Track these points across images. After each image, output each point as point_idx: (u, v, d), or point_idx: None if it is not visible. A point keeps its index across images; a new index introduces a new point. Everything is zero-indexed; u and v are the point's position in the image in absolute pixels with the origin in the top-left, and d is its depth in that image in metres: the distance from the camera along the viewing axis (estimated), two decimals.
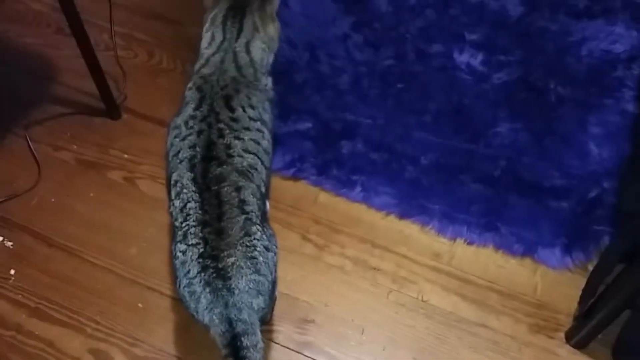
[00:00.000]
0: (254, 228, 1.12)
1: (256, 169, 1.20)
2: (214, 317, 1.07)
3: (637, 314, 1.26)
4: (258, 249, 1.11)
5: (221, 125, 1.22)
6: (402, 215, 1.55)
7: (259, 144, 1.25)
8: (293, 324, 1.39)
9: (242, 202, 1.13)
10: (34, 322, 1.39)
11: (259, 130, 1.27)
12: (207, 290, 1.07)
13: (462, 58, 1.79)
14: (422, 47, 1.81)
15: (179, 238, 1.11)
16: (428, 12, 1.89)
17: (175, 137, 1.24)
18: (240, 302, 1.07)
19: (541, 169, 1.59)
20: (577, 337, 1.36)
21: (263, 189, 1.22)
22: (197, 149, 1.19)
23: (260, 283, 1.10)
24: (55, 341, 1.37)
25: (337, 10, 1.89)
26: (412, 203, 1.56)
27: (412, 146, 1.63)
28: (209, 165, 1.16)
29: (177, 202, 1.15)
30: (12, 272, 1.46)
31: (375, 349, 1.37)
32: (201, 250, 1.08)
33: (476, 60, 1.79)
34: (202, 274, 1.07)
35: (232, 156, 1.18)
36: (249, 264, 1.09)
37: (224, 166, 1.16)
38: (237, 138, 1.21)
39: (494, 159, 1.61)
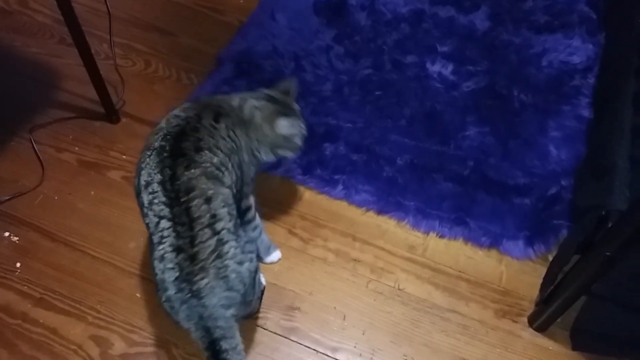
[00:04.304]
0: (226, 247, 1.08)
1: (226, 168, 1.15)
2: (192, 326, 1.08)
3: (592, 299, 1.28)
4: (230, 267, 1.08)
5: (199, 125, 1.17)
6: (380, 211, 1.56)
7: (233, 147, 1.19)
8: (280, 311, 1.40)
9: (213, 217, 1.08)
10: (38, 311, 1.38)
11: (235, 145, 1.21)
12: (184, 307, 1.07)
13: (434, 68, 1.81)
14: (398, 58, 1.83)
15: (156, 256, 1.08)
16: (403, 26, 1.91)
17: (152, 133, 1.19)
18: (215, 314, 1.07)
19: (506, 169, 1.61)
20: (538, 321, 1.38)
21: (237, 187, 1.17)
22: (169, 137, 1.13)
23: (232, 298, 1.09)
24: (58, 329, 1.36)
25: (320, 24, 1.90)
26: (389, 200, 1.57)
27: (389, 148, 1.65)
28: (177, 163, 1.10)
29: (151, 215, 1.09)
30: (18, 265, 1.44)
31: (356, 333, 1.38)
32: (177, 274, 1.06)
33: (447, 70, 1.81)
34: (178, 294, 1.07)
35: (202, 149, 1.12)
36: (221, 283, 1.07)
37: (192, 170, 1.10)
38: (211, 136, 1.16)
39: (463, 159, 1.63)
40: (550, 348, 1.37)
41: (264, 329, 1.37)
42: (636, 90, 1.45)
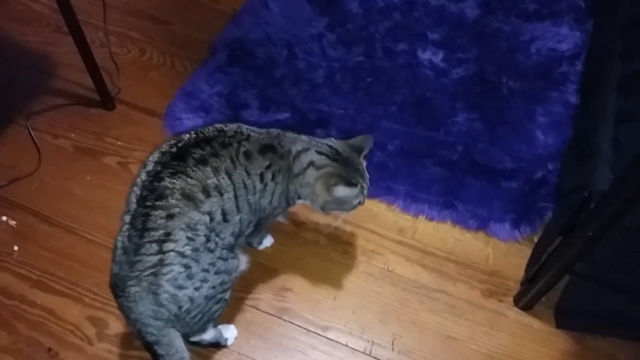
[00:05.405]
0: (165, 269, 1.03)
1: (220, 195, 1.07)
2: (127, 321, 1.09)
3: (575, 278, 1.30)
4: (164, 288, 1.04)
5: (235, 144, 1.11)
6: (371, 195, 1.57)
7: (248, 189, 1.13)
8: (273, 292, 1.42)
9: (167, 235, 1.03)
10: (36, 293, 1.39)
11: (263, 189, 1.15)
12: (119, 300, 1.08)
13: (425, 55, 1.82)
14: (390, 46, 1.84)
15: (114, 242, 1.08)
16: (395, 14, 1.92)
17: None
18: (142, 320, 1.07)
19: (494, 154, 1.63)
20: (523, 300, 1.40)
21: (219, 216, 1.08)
22: (194, 136, 1.11)
23: (161, 313, 1.07)
24: (55, 309, 1.37)
25: (313, 12, 1.91)
26: (379, 184, 1.58)
27: (380, 134, 1.66)
28: (169, 165, 1.06)
29: (128, 197, 1.07)
30: (16, 248, 1.46)
31: (346, 313, 1.40)
32: (117, 270, 1.07)
33: (437, 57, 1.82)
34: (113, 288, 1.09)
35: (205, 164, 1.06)
36: (150, 297, 1.05)
37: (174, 180, 1.04)
38: (232, 162, 1.10)
39: (452, 145, 1.64)
40: (535, 326, 1.39)
41: (257, 309, 1.39)
42: (620, 75, 1.46)
